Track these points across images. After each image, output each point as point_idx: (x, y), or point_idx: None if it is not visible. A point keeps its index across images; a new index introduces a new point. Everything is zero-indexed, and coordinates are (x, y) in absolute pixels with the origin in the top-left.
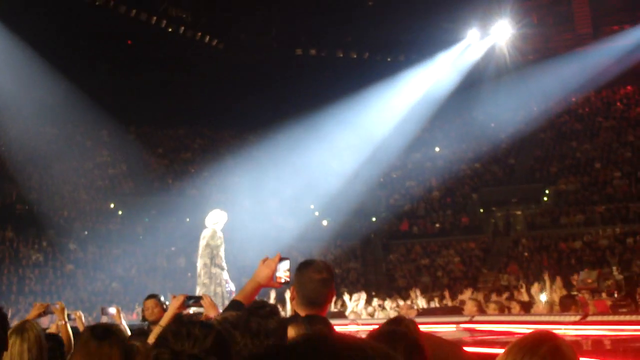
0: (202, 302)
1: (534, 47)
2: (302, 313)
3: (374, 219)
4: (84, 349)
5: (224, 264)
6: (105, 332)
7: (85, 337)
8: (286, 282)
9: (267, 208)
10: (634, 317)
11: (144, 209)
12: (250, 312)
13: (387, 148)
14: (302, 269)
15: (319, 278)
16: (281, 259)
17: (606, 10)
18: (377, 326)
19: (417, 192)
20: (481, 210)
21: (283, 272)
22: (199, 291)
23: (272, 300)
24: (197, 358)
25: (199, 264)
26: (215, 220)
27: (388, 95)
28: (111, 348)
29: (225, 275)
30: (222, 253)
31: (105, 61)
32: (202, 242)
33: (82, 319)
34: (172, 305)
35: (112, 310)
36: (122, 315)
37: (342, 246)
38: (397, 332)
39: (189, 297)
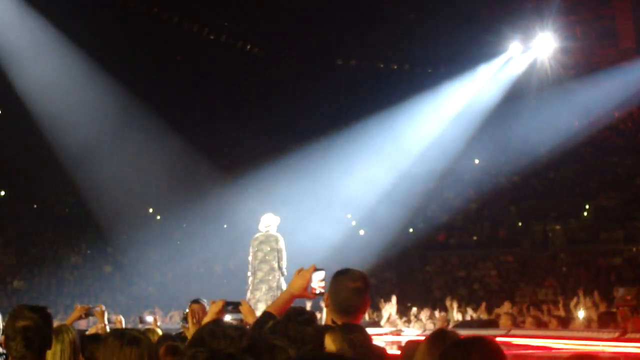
0: (240, 308)
1: (576, 62)
2: (336, 320)
3: (411, 230)
4: (109, 351)
5: (286, 268)
6: (132, 338)
7: (110, 340)
8: (321, 294)
9: (304, 217)
10: None
11: (182, 214)
12: (289, 318)
13: (427, 159)
14: (338, 277)
15: (354, 287)
16: (316, 270)
17: None
18: (413, 337)
19: (455, 204)
20: (519, 224)
21: (317, 282)
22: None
23: (308, 307)
24: (233, 357)
25: (262, 270)
26: (268, 224)
27: (428, 106)
28: (136, 352)
29: (282, 281)
30: (284, 255)
31: (144, 69)
32: (263, 247)
33: (122, 323)
34: (211, 310)
35: (149, 318)
36: (158, 322)
37: (379, 256)
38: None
39: (227, 303)
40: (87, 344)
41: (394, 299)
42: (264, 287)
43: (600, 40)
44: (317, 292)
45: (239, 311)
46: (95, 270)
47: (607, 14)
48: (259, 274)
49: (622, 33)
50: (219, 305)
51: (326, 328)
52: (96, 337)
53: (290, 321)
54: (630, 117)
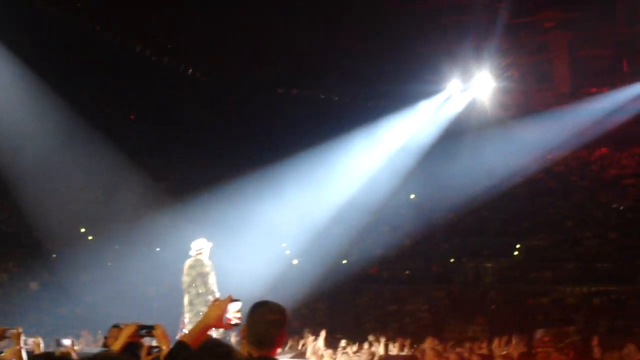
0: (154, 332)
1: (514, 103)
2: (252, 353)
3: (345, 262)
4: None
5: (217, 292)
6: None
7: None
8: (236, 324)
9: (238, 245)
10: None
11: (115, 235)
12: (205, 350)
13: (364, 192)
14: (256, 309)
15: (271, 319)
16: (232, 301)
17: (586, 73)
18: None
19: (389, 238)
20: (452, 260)
21: (233, 313)
22: (188, 320)
23: (233, 340)
24: None
25: (189, 294)
26: (199, 248)
27: (367, 140)
28: None
29: None
30: (212, 279)
31: (86, 87)
32: (190, 272)
33: (41, 346)
34: (123, 333)
35: (67, 341)
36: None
37: (312, 287)
38: None
39: (141, 327)
40: None
41: (323, 332)
42: (193, 311)
43: (538, 83)
44: (233, 322)
45: (152, 335)
46: (22, 289)
47: (545, 58)
48: (187, 298)
49: (559, 77)
50: (131, 329)
51: None
52: None
53: (206, 353)
54: (563, 161)
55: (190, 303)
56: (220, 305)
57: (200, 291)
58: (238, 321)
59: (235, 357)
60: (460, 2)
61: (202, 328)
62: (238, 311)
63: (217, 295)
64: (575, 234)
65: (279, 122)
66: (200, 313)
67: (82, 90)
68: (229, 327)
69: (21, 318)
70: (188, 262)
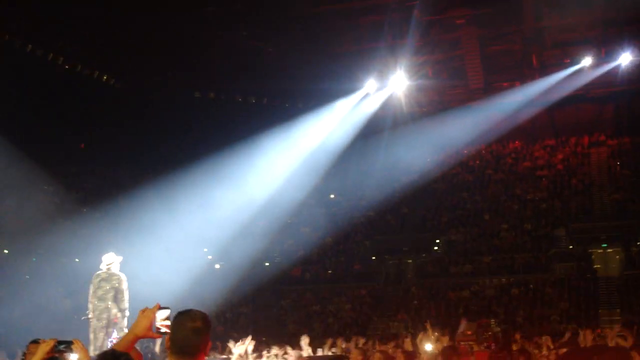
0: (73, 347)
1: (429, 100)
2: None
3: (267, 264)
4: None
5: (127, 310)
6: None
7: None
8: (165, 333)
9: (159, 251)
10: None
11: (31, 248)
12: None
13: (284, 193)
14: (178, 318)
15: (192, 327)
16: (160, 308)
17: (498, 68)
18: None
19: (310, 238)
20: (373, 258)
21: (161, 321)
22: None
23: (157, 348)
24: None
25: (97, 307)
26: (109, 262)
27: (285, 140)
28: None
29: (125, 322)
30: (126, 296)
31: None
32: (103, 284)
33: None
34: (40, 349)
35: None
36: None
37: (234, 290)
38: None
39: (59, 342)
40: None
41: (249, 338)
42: (99, 324)
43: (451, 79)
44: (163, 331)
45: (71, 350)
46: None
47: (457, 55)
48: (96, 313)
49: (471, 73)
50: (49, 344)
51: None
52: None
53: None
54: (478, 155)
55: (97, 318)
56: (148, 314)
57: (109, 306)
58: (167, 329)
59: None
60: (374, 2)
61: (130, 339)
62: (166, 318)
63: (127, 312)
64: (492, 227)
65: (197, 125)
66: (104, 327)
67: None
68: (158, 335)
69: None
70: (100, 275)
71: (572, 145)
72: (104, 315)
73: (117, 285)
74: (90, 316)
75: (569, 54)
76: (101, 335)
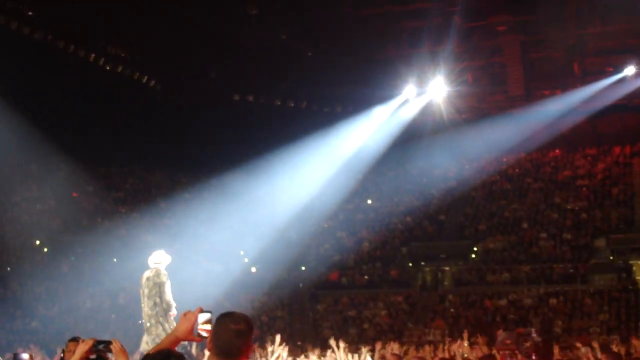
0: (112, 347)
1: (468, 106)
2: None
3: (303, 268)
4: None
5: (173, 302)
6: None
7: None
8: (206, 336)
9: (196, 253)
10: None
11: (70, 247)
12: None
13: (321, 198)
14: (220, 320)
15: (235, 329)
16: (202, 312)
17: (539, 75)
18: None
19: (347, 243)
20: (410, 264)
21: (203, 325)
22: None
23: (194, 350)
24: None
25: (147, 305)
26: (158, 261)
27: (324, 146)
28: None
29: (174, 310)
30: (168, 289)
31: (38, 96)
32: (148, 283)
33: None
34: (79, 349)
35: (25, 356)
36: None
37: (270, 294)
38: None
39: (98, 342)
40: None
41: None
42: (152, 321)
43: (491, 86)
44: (205, 335)
45: (110, 350)
46: None
47: (498, 62)
48: (146, 310)
49: (512, 81)
50: (88, 343)
51: None
52: None
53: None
54: (517, 163)
55: (150, 316)
56: (190, 317)
57: (156, 301)
58: (208, 333)
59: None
60: (415, 7)
61: (171, 340)
62: (208, 322)
63: (174, 305)
64: (530, 236)
65: (235, 129)
66: (159, 323)
67: (36, 102)
68: (199, 339)
69: None
70: (145, 274)
71: (614, 154)
72: (153, 312)
73: (157, 280)
74: (145, 320)
75: (611, 62)
76: (155, 330)
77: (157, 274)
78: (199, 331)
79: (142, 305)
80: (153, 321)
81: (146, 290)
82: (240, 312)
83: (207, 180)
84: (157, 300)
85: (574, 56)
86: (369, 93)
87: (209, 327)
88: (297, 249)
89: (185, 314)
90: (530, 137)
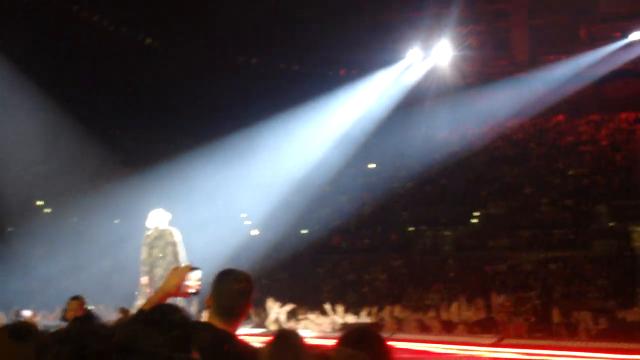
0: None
1: (472, 71)
2: (216, 323)
3: (304, 232)
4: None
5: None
6: (22, 332)
7: (1, 337)
8: (196, 293)
9: (197, 215)
10: (548, 342)
11: (72, 208)
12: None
13: (323, 162)
14: (221, 278)
15: (237, 288)
16: (192, 269)
17: (544, 40)
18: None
19: (348, 207)
20: (410, 229)
21: (193, 281)
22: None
23: (193, 309)
24: (100, 354)
25: (161, 265)
26: (157, 220)
27: (326, 109)
28: (27, 348)
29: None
30: (181, 248)
31: (41, 57)
32: (158, 242)
33: (2, 319)
34: (176, 275)
35: (27, 312)
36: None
37: (271, 257)
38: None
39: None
40: None
41: (288, 306)
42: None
43: (495, 51)
44: (193, 291)
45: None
46: None
47: (503, 27)
48: (158, 271)
49: (516, 46)
50: (185, 270)
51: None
52: None
53: (156, 309)
54: (521, 128)
55: (162, 276)
56: (179, 273)
57: (172, 260)
58: (198, 289)
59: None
60: None
61: (160, 296)
62: (198, 279)
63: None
64: (532, 201)
65: (238, 92)
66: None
67: (38, 63)
68: (187, 295)
69: None
70: (151, 234)
71: (618, 121)
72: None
73: (170, 239)
74: (146, 278)
75: (618, 28)
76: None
77: (171, 233)
78: (189, 287)
79: (149, 267)
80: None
81: (155, 251)
82: (239, 270)
83: (209, 143)
84: (172, 259)
85: (580, 21)
86: (373, 57)
87: (199, 283)
88: (299, 213)
89: (174, 269)
90: (534, 102)
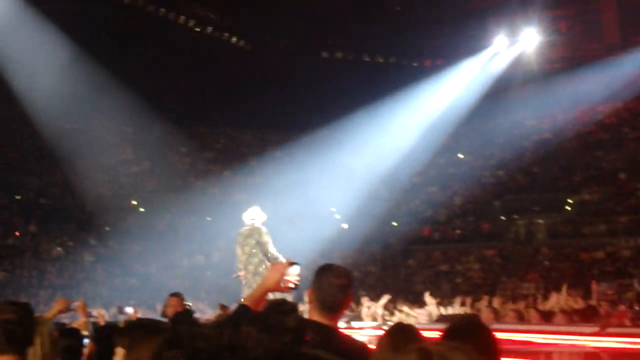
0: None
1: (561, 56)
2: (317, 317)
3: (394, 224)
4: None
5: (278, 254)
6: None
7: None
8: (295, 287)
9: (287, 209)
10: None
11: (165, 206)
12: (270, 309)
13: (411, 153)
14: (322, 273)
15: (338, 283)
16: (291, 264)
17: (635, 22)
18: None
19: (439, 198)
20: (503, 218)
21: (293, 276)
22: (249, 288)
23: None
24: (214, 356)
25: (252, 263)
26: (253, 217)
27: (414, 100)
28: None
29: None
30: (272, 248)
31: (132, 59)
32: (249, 241)
33: (105, 317)
34: (277, 270)
35: (130, 309)
36: (139, 313)
37: (362, 250)
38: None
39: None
40: (116, 335)
41: (385, 298)
42: (257, 278)
43: (585, 35)
44: (292, 285)
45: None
46: (77, 262)
47: (592, 9)
48: (250, 268)
49: (607, 28)
50: (285, 264)
51: (308, 321)
52: (118, 330)
53: (270, 311)
54: (615, 112)
55: (255, 273)
56: (279, 268)
57: (263, 258)
58: (297, 284)
59: (298, 315)
60: None
61: (261, 292)
62: (297, 274)
63: (280, 257)
64: (627, 186)
65: (325, 86)
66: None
67: (130, 67)
68: (287, 290)
69: (77, 291)
70: (243, 232)
71: None
72: (260, 269)
73: (259, 238)
74: (241, 274)
75: None
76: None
77: (259, 232)
78: (289, 282)
79: (243, 265)
80: (258, 278)
81: (247, 249)
82: (339, 264)
83: (297, 138)
84: (261, 257)
85: None
86: (459, 46)
87: (298, 278)
88: (388, 205)
89: (274, 265)
90: (627, 85)
